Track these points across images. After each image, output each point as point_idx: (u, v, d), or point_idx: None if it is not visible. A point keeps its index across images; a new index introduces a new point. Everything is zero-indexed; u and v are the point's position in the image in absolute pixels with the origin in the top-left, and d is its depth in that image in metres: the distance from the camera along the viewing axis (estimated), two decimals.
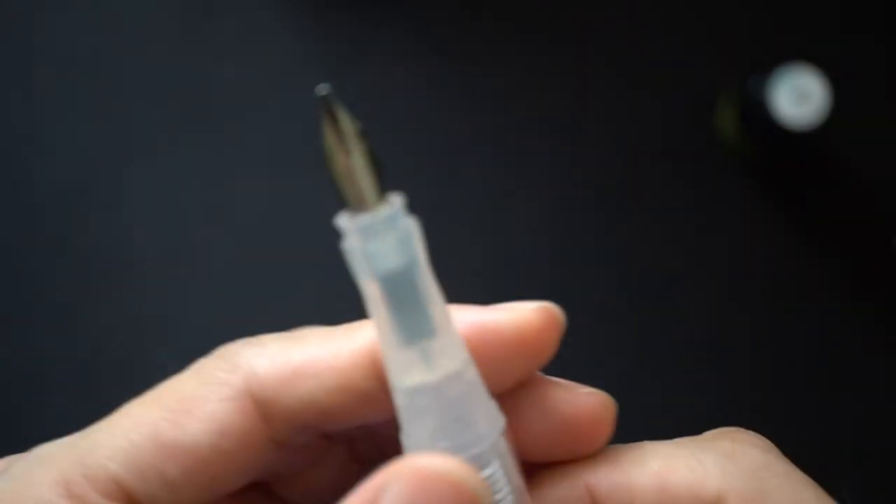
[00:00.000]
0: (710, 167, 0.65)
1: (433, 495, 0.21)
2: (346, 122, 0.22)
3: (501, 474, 0.24)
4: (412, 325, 0.22)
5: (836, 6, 0.66)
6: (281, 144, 0.64)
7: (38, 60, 0.64)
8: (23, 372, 0.62)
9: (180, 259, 0.63)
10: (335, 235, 0.23)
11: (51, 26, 0.64)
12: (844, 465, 0.63)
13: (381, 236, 0.22)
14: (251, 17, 0.65)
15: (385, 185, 0.22)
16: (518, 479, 0.24)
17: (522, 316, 0.25)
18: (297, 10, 0.65)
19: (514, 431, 0.25)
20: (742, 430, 0.28)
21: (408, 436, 0.24)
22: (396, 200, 0.22)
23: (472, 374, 0.23)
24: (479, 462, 0.23)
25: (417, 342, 0.23)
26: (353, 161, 0.22)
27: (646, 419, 0.64)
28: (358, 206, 0.22)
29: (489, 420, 0.24)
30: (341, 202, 0.22)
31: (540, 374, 0.27)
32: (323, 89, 0.22)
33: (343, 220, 0.22)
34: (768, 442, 0.28)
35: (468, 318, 0.25)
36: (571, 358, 0.63)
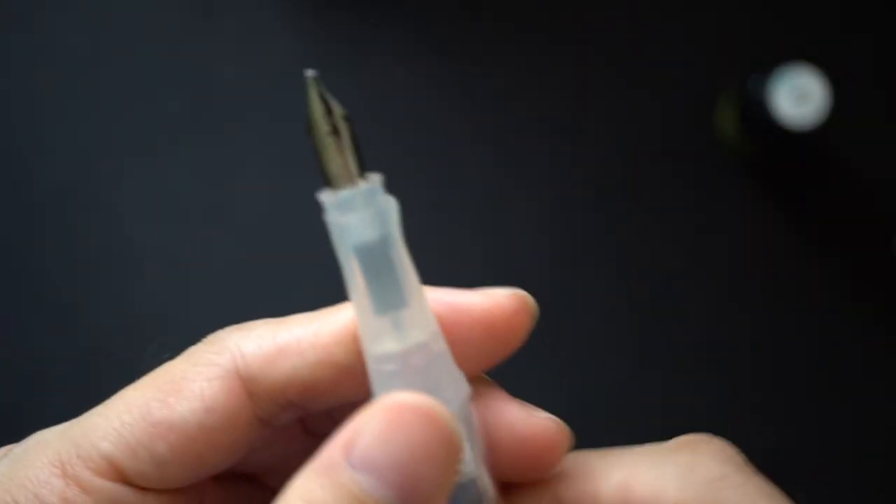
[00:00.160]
0: (710, 167, 0.65)
1: (406, 426, 0.22)
2: (334, 104, 0.24)
3: (466, 439, 0.24)
4: (386, 295, 0.24)
5: (836, 6, 0.66)
6: (281, 144, 0.64)
7: (38, 60, 0.64)
8: (23, 372, 0.62)
9: (180, 259, 0.63)
10: None
11: (51, 26, 0.64)
12: (844, 465, 0.63)
13: (359, 210, 0.24)
14: (251, 17, 0.65)
15: (364, 165, 0.24)
16: (481, 447, 0.25)
17: (494, 300, 0.26)
18: (297, 10, 0.65)
19: None
20: (707, 438, 0.28)
21: None
22: (375, 178, 0.24)
23: (440, 346, 0.25)
24: None
25: (390, 312, 0.24)
26: (340, 139, 0.24)
27: (646, 419, 0.64)
28: (340, 182, 0.24)
29: (455, 387, 0.25)
30: (324, 179, 0.24)
31: (503, 391, 0.27)
32: (311, 73, 0.24)
33: (325, 195, 0.24)
34: (731, 450, 0.28)
35: (442, 297, 0.26)
36: (572, 358, 0.63)
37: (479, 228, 0.64)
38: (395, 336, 0.24)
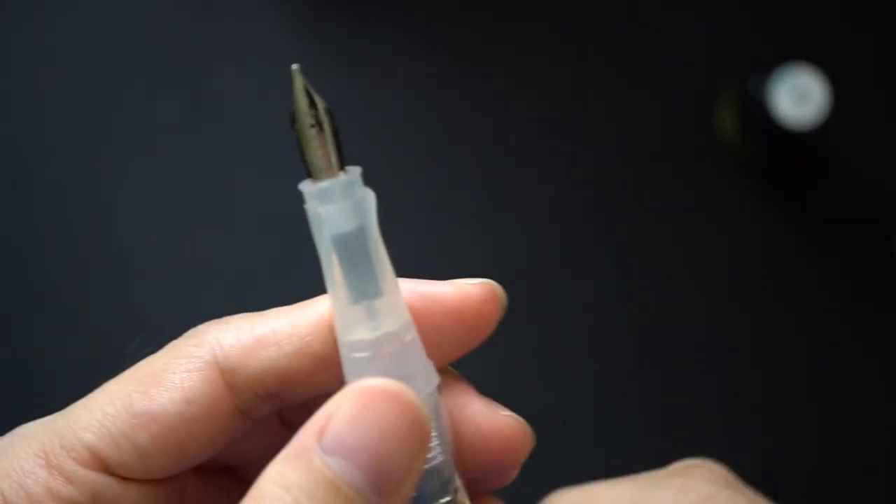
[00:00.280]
0: (710, 167, 0.65)
1: (377, 410, 0.23)
2: (318, 98, 0.25)
3: (435, 427, 0.25)
4: (361, 285, 0.25)
5: (836, 6, 0.66)
6: (281, 144, 0.64)
7: (38, 60, 0.64)
8: (23, 372, 0.62)
9: (180, 259, 0.63)
10: None
11: (51, 26, 0.64)
12: (844, 465, 0.63)
13: (338, 201, 0.24)
14: (251, 17, 0.65)
15: (344, 158, 0.25)
16: (449, 436, 0.26)
17: (464, 290, 0.27)
18: (297, 10, 0.65)
19: None
20: (699, 462, 0.31)
21: None
22: (355, 170, 0.25)
23: (412, 336, 0.25)
24: None
25: (364, 301, 0.25)
26: (322, 132, 0.24)
27: (646, 419, 0.64)
28: (320, 173, 0.25)
29: (425, 377, 0.25)
30: (306, 170, 0.25)
31: (470, 386, 0.28)
32: (296, 66, 0.24)
33: (305, 185, 0.25)
34: (722, 471, 0.31)
35: (414, 288, 0.27)
36: (572, 358, 0.63)
37: (479, 228, 0.64)
38: (369, 325, 0.25)
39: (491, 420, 0.27)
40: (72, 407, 0.26)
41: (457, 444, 0.27)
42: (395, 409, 0.23)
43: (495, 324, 0.27)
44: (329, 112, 0.25)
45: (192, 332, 0.27)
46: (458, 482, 0.26)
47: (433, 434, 0.25)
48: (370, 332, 0.25)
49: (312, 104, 0.24)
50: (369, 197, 0.25)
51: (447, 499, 0.26)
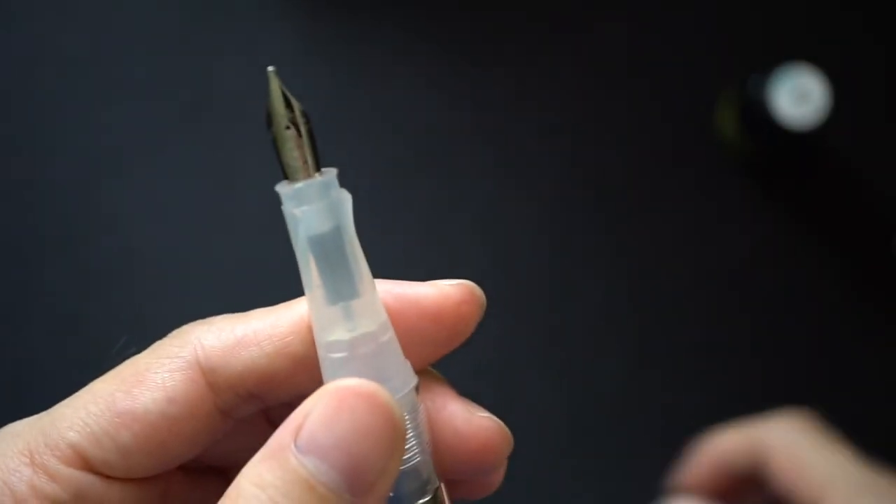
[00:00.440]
0: (710, 167, 0.65)
1: (351, 410, 0.23)
2: (294, 100, 0.25)
3: (412, 427, 0.25)
4: (338, 285, 0.25)
5: (836, 6, 0.66)
6: None
7: (38, 60, 0.64)
8: (23, 372, 0.62)
9: (180, 259, 0.63)
10: None
11: (51, 26, 0.64)
12: None
13: (314, 202, 0.24)
14: (251, 17, 0.65)
15: (320, 159, 0.25)
16: (426, 437, 0.26)
17: (442, 291, 0.27)
18: (297, 10, 0.65)
19: None
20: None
21: None
22: (330, 172, 0.25)
23: (389, 336, 0.26)
24: None
25: (341, 302, 0.25)
26: (298, 134, 0.25)
27: (646, 419, 0.64)
28: (296, 175, 0.25)
29: (401, 377, 0.26)
30: (282, 171, 0.25)
31: (449, 387, 0.28)
32: (271, 69, 0.25)
33: (281, 187, 0.25)
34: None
35: (392, 289, 0.27)
36: (572, 358, 0.63)
37: (479, 228, 0.64)
38: (346, 325, 0.25)
39: (468, 422, 0.27)
40: (57, 406, 0.27)
41: (435, 445, 0.27)
42: (370, 409, 0.23)
43: (474, 325, 0.27)
44: (305, 114, 0.25)
45: (176, 332, 0.28)
46: (438, 483, 0.26)
47: (410, 434, 0.25)
48: (347, 333, 0.25)
49: (289, 106, 0.25)
50: (345, 198, 0.25)
51: (426, 499, 0.26)
